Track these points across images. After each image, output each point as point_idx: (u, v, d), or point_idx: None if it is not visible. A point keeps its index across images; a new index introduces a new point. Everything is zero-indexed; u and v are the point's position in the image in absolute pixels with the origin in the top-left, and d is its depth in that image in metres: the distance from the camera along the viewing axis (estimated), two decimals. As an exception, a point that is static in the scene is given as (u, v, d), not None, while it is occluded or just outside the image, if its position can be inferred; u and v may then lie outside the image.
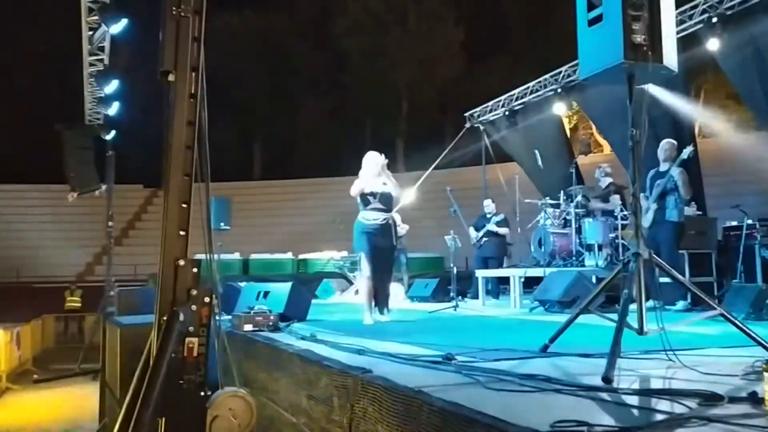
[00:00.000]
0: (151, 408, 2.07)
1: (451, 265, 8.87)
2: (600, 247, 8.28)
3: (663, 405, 2.09)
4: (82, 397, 10.49)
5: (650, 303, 6.37)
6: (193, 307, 2.33)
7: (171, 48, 2.32)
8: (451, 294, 8.49)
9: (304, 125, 33.47)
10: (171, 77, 2.35)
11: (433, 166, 13.49)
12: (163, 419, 2.20)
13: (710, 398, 2.09)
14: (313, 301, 7.67)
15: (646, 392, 2.24)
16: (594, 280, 7.23)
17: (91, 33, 9.70)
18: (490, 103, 13.34)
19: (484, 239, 10.12)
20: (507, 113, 12.74)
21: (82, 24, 9.92)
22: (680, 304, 6.40)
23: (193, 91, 2.39)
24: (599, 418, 1.95)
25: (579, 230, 8.58)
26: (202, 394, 2.36)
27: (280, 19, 32.81)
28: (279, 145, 33.10)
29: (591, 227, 8.31)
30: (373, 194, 5.84)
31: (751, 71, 8.26)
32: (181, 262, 2.29)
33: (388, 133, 31.53)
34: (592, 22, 3.05)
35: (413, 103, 32.06)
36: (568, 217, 8.90)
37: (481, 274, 9.24)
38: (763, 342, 2.95)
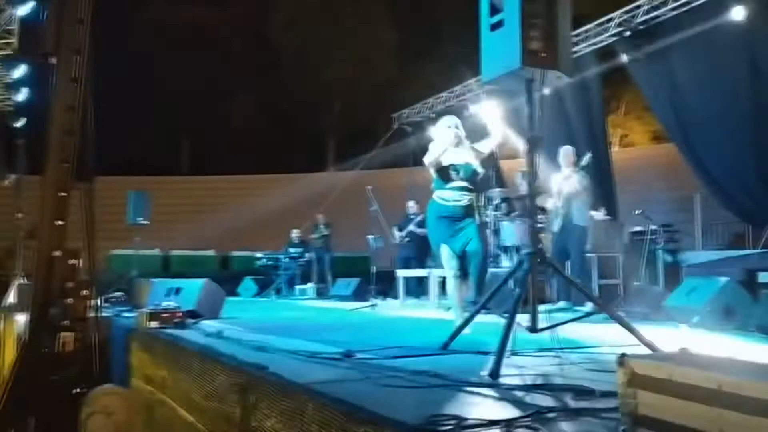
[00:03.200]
0: (17, 405, 1.96)
1: (372, 265, 8.89)
2: (517, 249, 8.49)
3: (540, 399, 2.15)
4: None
5: (561, 303, 6.66)
6: (69, 301, 2.24)
7: (53, 29, 2.21)
8: (372, 293, 8.53)
9: (234, 121, 32.83)
10: (52, 60, 2.25)
11: (360, 166, 13.51)
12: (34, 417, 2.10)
13: (583, 393, 2.17)
14: (234, 299, 7.56)
15: (525, 387, 2.30)
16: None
17: (-3, 15, 9.19)
18: (418, 105, 13.47)
19: (406, 239, 10.26)
20: (434, 116, 12.90)
21: (-13, 6, 9.40)
22: (588, 306, 6.64)
23: (75, 75, 2.29)
24: (475, 412, 1.99)
25: (497, 232, 8.77)
26: (77, 390, 2.27)
27: (212, 11, 32.09)
28: (208, 140, 32.34)
29: (508, 229, 8.51)
30: (455, 168, 4.60)
31: (661, 84, 8.66)
32: (57, 254, 2.19)
33: (320, 132, 31.34)
34: (494, 26, 3.12)
35: (346, 102, 31.99)
36: (486, 220, 9.09)
37: (401, 273, 9.31)
38: (647, 340, 3.09)
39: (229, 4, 32.70)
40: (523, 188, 9.32)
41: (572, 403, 2.08)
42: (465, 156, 4.63)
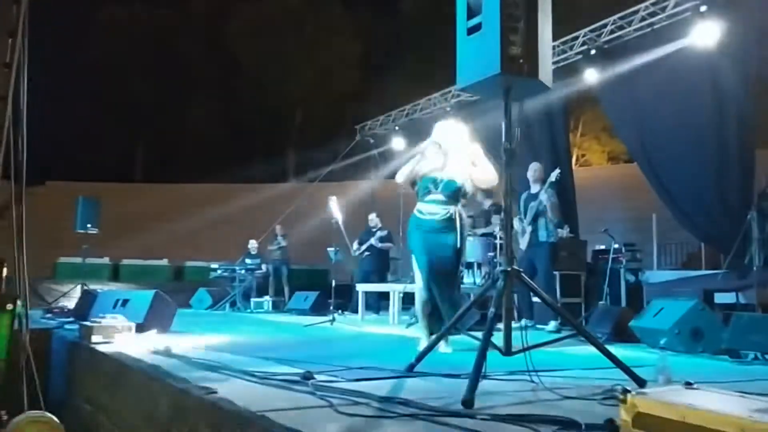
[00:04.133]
0: None
1: (331, 278, 8.65)
2: (479, 266, 8.37)
3: (520, 432, 1.96)
4: None
5: (523, 322, 6.53)
6: (-10, 316, 1.96)
7: (-20, 6, 1.95)
8: (330, 307, 8.26)
9: (191, 128, 32.20)
10: (-21, 41, 1.98)
11: (320, 177, 13.28)
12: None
13: (568, 425, 1.99)
14: (187, 311, 7.20)
15: (504, 418, 2.10)
16: (471, 297, 7.26)
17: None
18: (381, 117, 13.33)
19: (366, 253, 10.08)
20: (397, 128, 12.78)
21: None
22: (551, 325, 6.53)
23: (7, 60, 2.02)
24: (451, 448, 1.78)
25: (459, 248, 8.63)
26: (-4, 419, 1.98)
27: (171, 15, 31.48)
28: (163, 146, 31.61)
29: (471, 246, 8.37)
30: (432, 180, 4.37)
31: (624, 104, 8.69)
32: (-25, 262, 1.92)
33: (280, 142, 30.97)
34: (471, 30, 2.96)
35: (307, 112, 31.72)
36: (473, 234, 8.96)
37: (361, 288, 9.09)
38: (623, 364, 2.94)
39: (188, 8, 32.17)
40: (486, 205, 9.24)
41: (557, 438, 1.89)
42: (451, 170, 4.36)
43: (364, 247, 10.16)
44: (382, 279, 10.15)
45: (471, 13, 2.95)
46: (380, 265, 10.33)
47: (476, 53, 2.91)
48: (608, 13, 8.51)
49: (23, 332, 2.13)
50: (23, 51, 1.99)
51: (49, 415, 2.19)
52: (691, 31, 7.40)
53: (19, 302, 2.07)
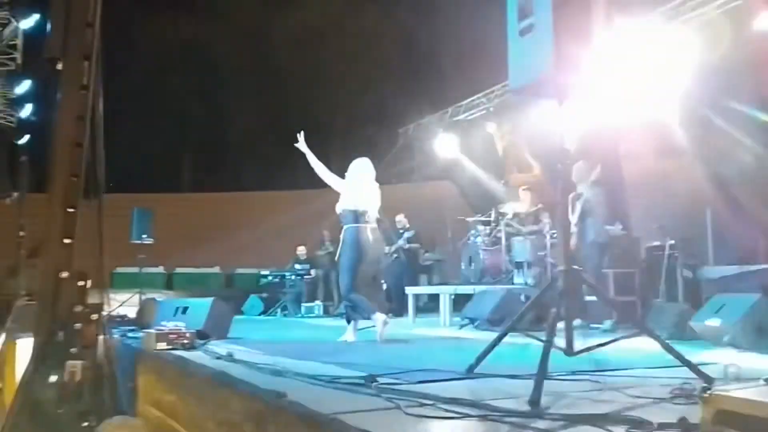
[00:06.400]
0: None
1: (382, 281, 8.71)
2: (529, 265, 8.31)
3: (591, 432, 1.96)
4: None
5: (576, 322, 6.45)
6: (78, 326, 2.06)
7: (59, 32, 2.05)
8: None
9: (236, 137, 32.78)
10: (59, 66, 2.09)
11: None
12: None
13: (639, 424, 1.98)
14: (239, 317, 7.38)
15: (574, 418, 2.10)
16: (523, 298, 7.22)
17: (0, 29, 9.06)
18: (424, 120, 13.35)
19: (395, 255, 10.01)
20: (440, 130, 12.78)
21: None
22: (606, 324, 6.43)
23: (85, 82, 2.13)
24: (524, 448, 1.80)
25: (509, 248, 8.60)
26: (85, 424, 2.09)
27: (215, 28, 32.14)
28: (210, 156, 32.26)
29: (520, 245, 8.35)
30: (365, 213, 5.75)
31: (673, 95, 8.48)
32: (64, 274, 2.02)
33: (323, 148, 31.23)
34: (523, 31, 2.96)
35: (349, 118, 31.95)
36: (498, 235, 8.92)
37: (410, 291, 9.12)
38: (690, 363, 2.90)
39: (231, 20, 32.79)
40: (533, 204, 9.18)
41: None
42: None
43: (392, 249, 10.07)
44: (414, 281, 10.09)
45: (522, 14, 2.96)
46: (411, 267, 10.24)
47: (529, 54, 2.91)
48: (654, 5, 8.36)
49: (107, 340, 2.25)
50: (98, 73, 2.10)
51: (134, 420, 2.29)
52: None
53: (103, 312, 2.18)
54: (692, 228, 12.45)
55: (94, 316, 2.15)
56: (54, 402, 1.99)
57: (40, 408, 1.90)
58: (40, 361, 1.95)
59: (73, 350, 2.09)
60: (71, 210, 2.09)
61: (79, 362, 2.09)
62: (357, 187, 5.75)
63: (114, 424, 2.20)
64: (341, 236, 5.79)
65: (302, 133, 6.35)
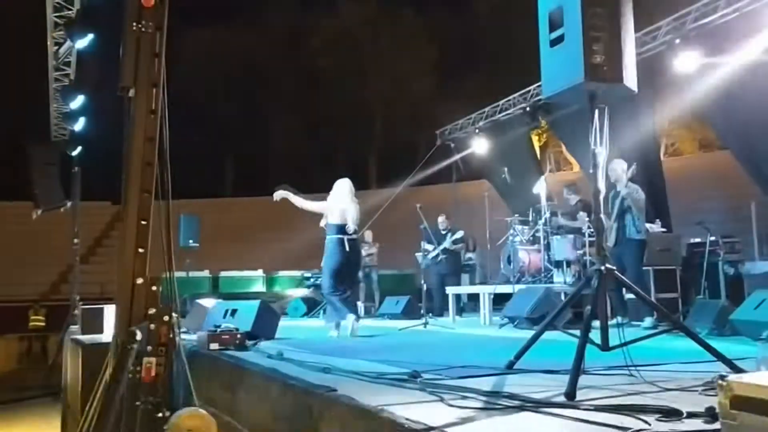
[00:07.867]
0: (107, 431, 2.01)
1: (422, 282, 8.86)
2: (568, 264, 8.35)
3: (623, 420, 2.10)
4: (41, 417, 10.20)
5: (618, 319, 6.50)
6: (152, 326, 2.29)
7: (131, 64, 2.30)
8: (422, 311, 8.48)
9: (275, 143, 33.36)
10: (131, 93, 2.33)
11: (404, 183, 13.54)
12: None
13: (669, 413, 2.11)
14: (283, 319, 7.63)
15: (606, 408, 2.24)
16: (562, 296, 7.29)
17: (56, 48, 9.56)
18: (461, 121, 13.45)
19: (441, 256, 10.11)
20: (477, 131, 12.86)
21: (47, 39, 9.79)
22: (647, 321, 6.46)
23: (153, 107, 2.36)
24: (560, 434, 1.95)
25: (548, 247, 8.65)
26: (160, 415, 2.32)
27: (252, 35, 32.77)
28: (251, 162, 32.91)
29: (559, 244, 8.38)
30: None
31: (714, 91, 8.44)
32: (139, 281, 2.25)
33: (361, 151, 31.55)
34: (554, 42, 3.10)
35: (386, 120, 32.17)
36: (537, 234, 8.98)
37: (451, 291, 9.25)
38: (724, 357, 2.99)
39: (267, 28, 33.35)
40: (572, 201, 9.20)
41: (659, 425, 2.02)
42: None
43: (438, 249, 10.16)
44: (457, 281, 10.19)
45: (553, 25, 3.09)
46: (455, 268, 10.34)
47: (560, 63, 3.05)
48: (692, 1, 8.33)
49: (177, 340, 2.48)
50: (164, 98, 2.34)
51: (203, 411, 2.52)
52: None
53: (174, 315, 2.41)
54: (735, 223, 12.29)
55: (166, 318, 2.38)
56: (133, 395, 2.23)
57: (122, 402, 2.13)
58: (120, 359, 2.18)
59: (148, 348, 2.33)
60: (144, 222, 2.33)
61: (153, 359, 2.32)
62: (339, 205, 6.61)
63: (185, 416, 2.42)
64: (324, 245, 6.66)
65: (277, 188, 7.10)
